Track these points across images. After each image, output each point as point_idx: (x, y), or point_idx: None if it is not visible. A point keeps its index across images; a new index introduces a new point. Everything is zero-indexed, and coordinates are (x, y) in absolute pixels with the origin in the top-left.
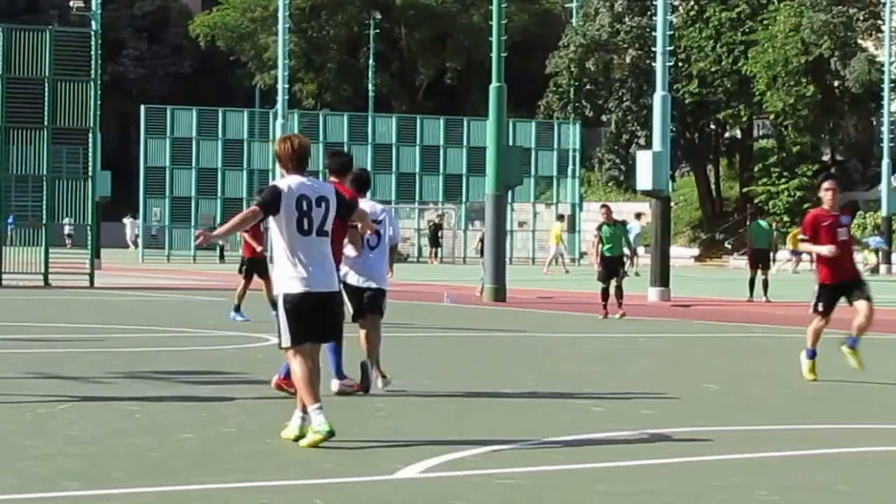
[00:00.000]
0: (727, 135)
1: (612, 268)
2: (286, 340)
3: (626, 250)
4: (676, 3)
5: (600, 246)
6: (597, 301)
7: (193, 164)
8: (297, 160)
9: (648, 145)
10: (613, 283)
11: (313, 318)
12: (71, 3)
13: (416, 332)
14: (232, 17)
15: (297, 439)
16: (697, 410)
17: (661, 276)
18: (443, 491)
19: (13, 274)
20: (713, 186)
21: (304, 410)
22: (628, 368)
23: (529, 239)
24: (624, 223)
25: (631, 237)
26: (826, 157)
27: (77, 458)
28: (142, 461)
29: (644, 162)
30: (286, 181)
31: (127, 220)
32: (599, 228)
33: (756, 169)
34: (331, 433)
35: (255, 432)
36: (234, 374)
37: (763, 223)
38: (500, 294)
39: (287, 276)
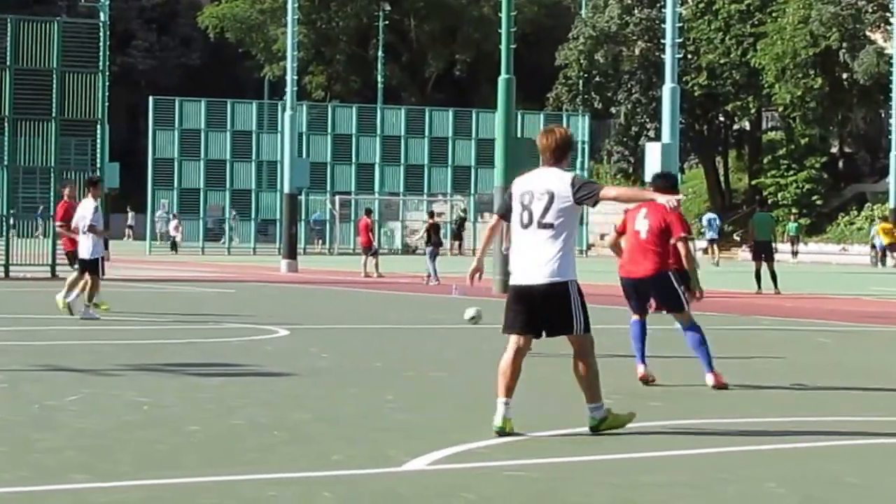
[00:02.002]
0: (736, 127)
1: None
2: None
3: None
4: None
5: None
6: (608, 293)
7: (202, 156)
8: (556, 153)
9: (657, 137)
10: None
11: (524, 308)
12: None
13: (425, 324)
14: (241, 9)
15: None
16: (706, 403)
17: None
18: (451, 483)
19: (21, 266)
20: (722, 178)
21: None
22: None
23: None
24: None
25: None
26: (835, 150)
27: (85, 451)
28: (150, 453)
29: (653, 154)
30: (519, 178)
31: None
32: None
33: (765, 161)
34: (500, 431)
35: (263, 424)
36: (242, 367)
37: (765, 215)
38: (508, 286)
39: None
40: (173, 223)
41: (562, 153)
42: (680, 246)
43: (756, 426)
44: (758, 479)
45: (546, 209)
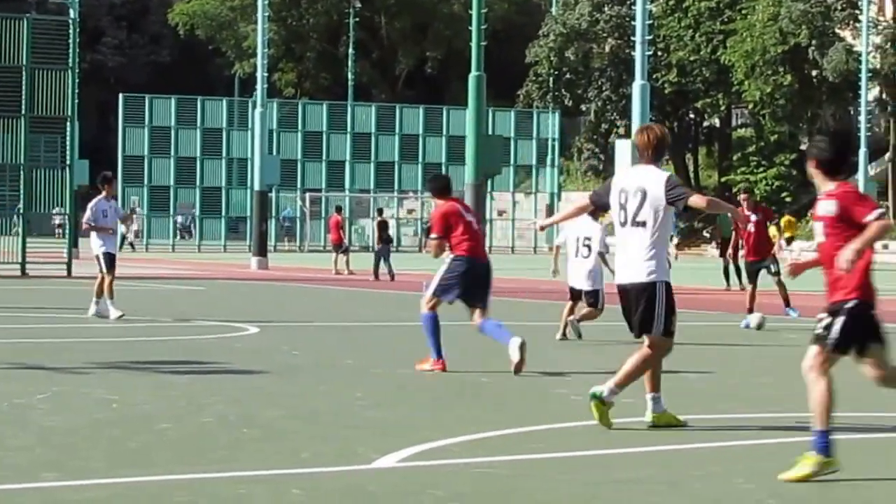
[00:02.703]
0: (706, 124)
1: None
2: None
3: None
4: None
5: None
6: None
7: (172, 153)
8: (654, 151)
9: (628, 134)
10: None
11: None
12: None
13: (396, 321)
14: (211, 6)
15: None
16: (676, 399)
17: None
18: (420, 480)
19: None
20: (692, 175)
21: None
22: (608, 357)
23: (509, 228)
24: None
25: None
26: (804, 147)
27: (55, 449)
28: (120, 451)
29: (623, 151)
30: (616, 176)
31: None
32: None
33: (735, 158)
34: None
35: (233, 422)
36: (213, 364)
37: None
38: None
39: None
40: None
41: (659, 151)
42: None
43: (723, 422)
44: (726, 474)
45: (639, 207)
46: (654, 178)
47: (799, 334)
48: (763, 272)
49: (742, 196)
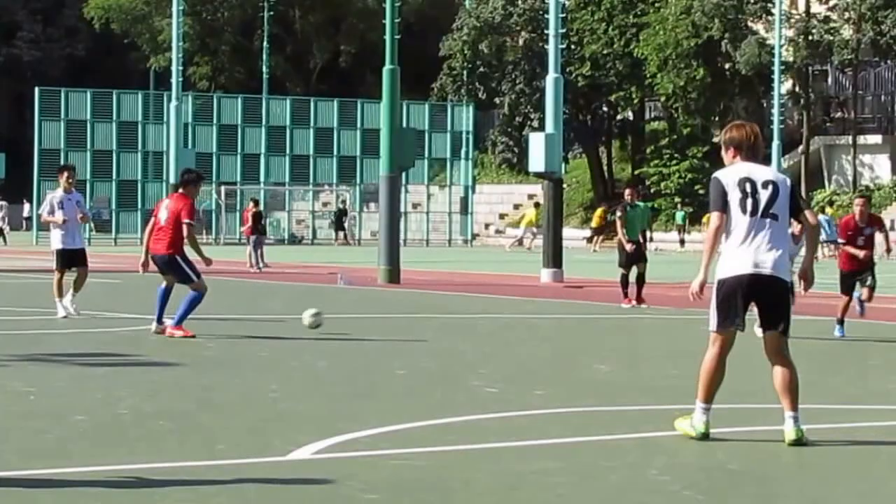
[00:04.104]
0: (619, 117)
1: (634, 252)
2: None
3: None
4: None
5: (623, 229)
6: (486, 282)
7: (88, 147)
8: (753, 148)
9: (541, 128)
10: (635, 269)
11: (746, 302)
12: None
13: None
14: (126, 0)
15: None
16: (589, 391)
17: (554, 257)
18: (336, 472)
19: None
20: (605, 168)
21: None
22: (521, 349)
23: (424, 220)
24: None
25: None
26: (716, 139)
27: None
28: (36, 443)
29: (537, 144)
30: (731, 169)
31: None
32: (624, 210)
33: (648, 151)
34: (704, 436)
35: (148, 413)
36: (128, 356)
37: (641, 205)
38: (394, 276)
39: (732, 259)
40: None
41: (759, 148)
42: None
43: (638, 414)
44: (641, 466)
45: (772, 199)
46: (782, 178)
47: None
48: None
49: (858, 202)
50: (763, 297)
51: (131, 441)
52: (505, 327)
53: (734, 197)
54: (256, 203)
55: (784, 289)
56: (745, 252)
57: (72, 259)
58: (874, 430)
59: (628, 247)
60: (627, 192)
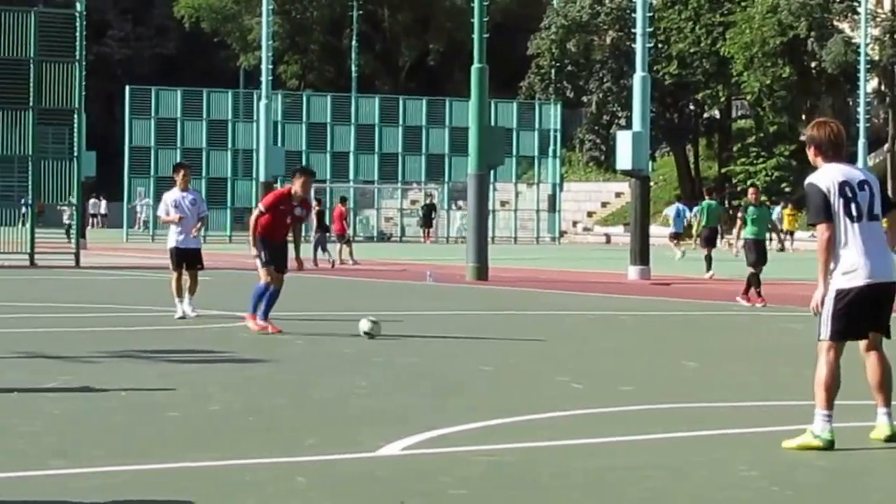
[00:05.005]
0: (706, 115)
1: (762, 251)
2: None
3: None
4: None
5: (744, 229)
6: (573, 280)
7: (178, 145)
8: (834, 144)
9: (628, 126)
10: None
11: (866, 311)
12: None
13: (397, 310)
14: None
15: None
16: (677, 387)
17: (641, 254)
18: (425, 467)
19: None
20: (692, 166)
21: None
22: (608, 346)
23: (511, 218)
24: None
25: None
26: (803, 138)
27: (62, 436)
28: (127, 439)
29: (624, 142)
30: (825, 172)
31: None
32: (745, 210)
33: (735, 149)
34: (830, 443)
35: (238, 410)
36: (219, 353)
37: (713, 202)
38: (482, 273)
39: (849, 268)
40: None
41: (844, 146)
42: None
43: (726, 410)
44: (729, 461)
45: (872, 201)
46: (872, 178)
47: (802, 323)
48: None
49: None
50: (879, 306)
51: (222, 437)
52: (591, 324)
53: (839, 203)
54: (319, 202)
55: (894, 292)
56: (862, 262)
57: (185, 258)
58: None
59: (739, 245)
60: (751, 192)
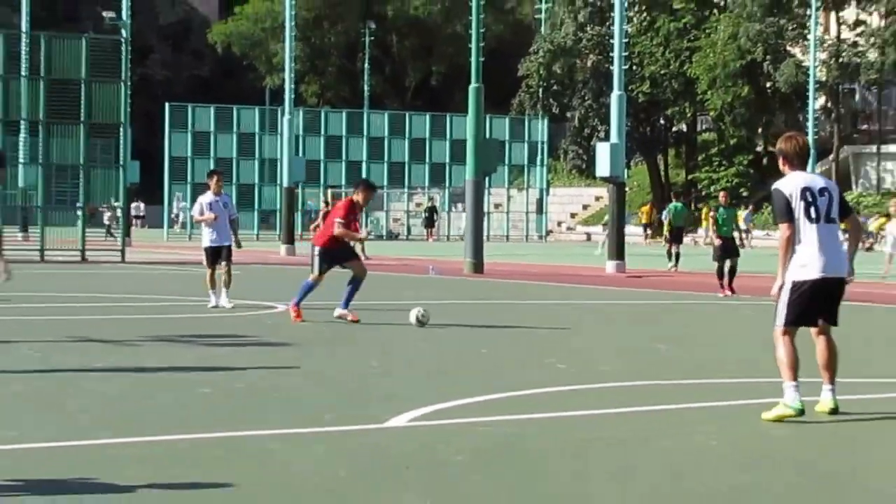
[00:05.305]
0: (674, 129)
1: (727, 247)
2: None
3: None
4: (631, 14)
5: (715, 227)
6: (558, 273)
7: (211, 155)
8: (800, 155)
9: (607, 138)
10: (728, 262)
11: (819, 301)
12: (104, 14)
13: (404, 300)
14: (245, 27)
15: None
16: (650, 367)
17: (618, 251)
18: (429, 437)
19: (54, 251)
20: (662, 174)
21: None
22: (589, 331)
23: (504, 219)
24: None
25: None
26: (759, 149)
27: (109, 411)
28: (166, 413)
29: (603, 152)
30: (790, 179)
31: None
32: (716, 210)
33: (699, 158)
34: (801, 412)
35: (264, 387)
36: (247, 337)
37: (679, 205)
38: (478, 267)
39: (803, 264)
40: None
41: (808, 156)
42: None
43: (693, 387)
44: (693, 432)
45: (830, 205)
46: (833, 184)
47: (754, 311)
48: None
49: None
50: (830, 297)
51: (248, 411)
52: (574, 312)
53: (800, 207)
54: (327, 204)
55: (843, 287)
56: (816, 258)
57: (218, 254)
58: None
59: (717, 242)
60: (721, 196)
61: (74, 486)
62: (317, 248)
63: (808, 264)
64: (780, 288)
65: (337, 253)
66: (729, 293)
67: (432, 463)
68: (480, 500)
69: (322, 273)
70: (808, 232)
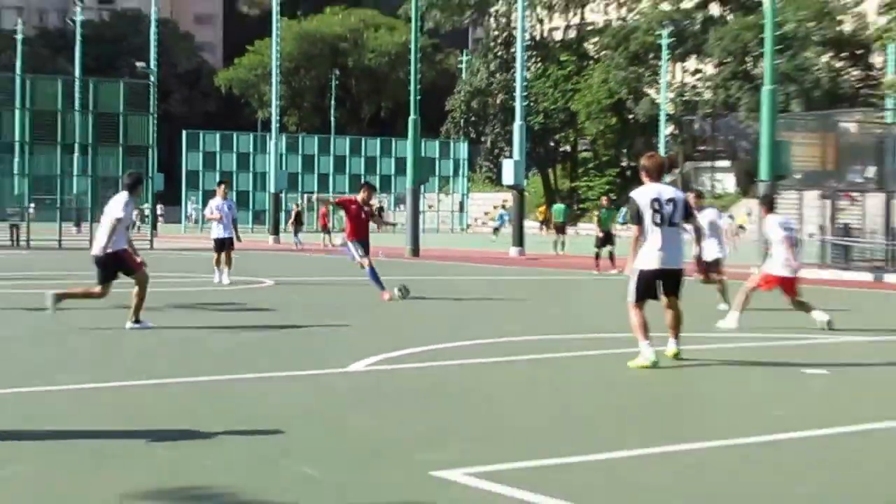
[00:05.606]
0: (561, 149)
1: (605, 238)
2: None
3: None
4: (529, 64)
5: (598, 223)
6: (474, 256)
7: (217, 169)
8: (656, 170)
9: (511, 156)
10: (606, 249)
11: (655, 288)
12: (137, 64)
13: (363, 277)
14: (243, 73)
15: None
16: (544, 325)
17: (519, 239)
18: (379, 379)
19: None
20: (552, 183)
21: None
22: (498, 299)
23: (435, 216)
24: (616, 208)
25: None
26: (623, 164)
27: (136, 360)
28: (182, 361)
29: (508, 167)
30: (645, 189)
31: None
32: (601, 210)
33: (580, 171)
34: (655, 363)
35: (254, 342)
36: (241, 305)
37: (563, 206)
38: (416, 252)
39: (648, 256)
40: (136, 212)
41: (663, 171)
42: None
43: (575, 340)
44: (575, 373)
45: (674, 212)
46: (680, 195)
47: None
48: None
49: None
50: (669, 281)
51: (238, 360)
52: (487, 285)
53: (647, 213)
54: (298, 205)
55: (681, 274)
56: (657, 254)
57: (222, 244)
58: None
59: (600, 234)
60: (604, 199)
61: (115, 419)
62: (350, 242)
63: (651, 258)
64: (630, 271)
65: (364, 241)
66: (599, 270)
67: (380, 395)
68: (414, 420)
69: (364, 257)
70: (654, 233)
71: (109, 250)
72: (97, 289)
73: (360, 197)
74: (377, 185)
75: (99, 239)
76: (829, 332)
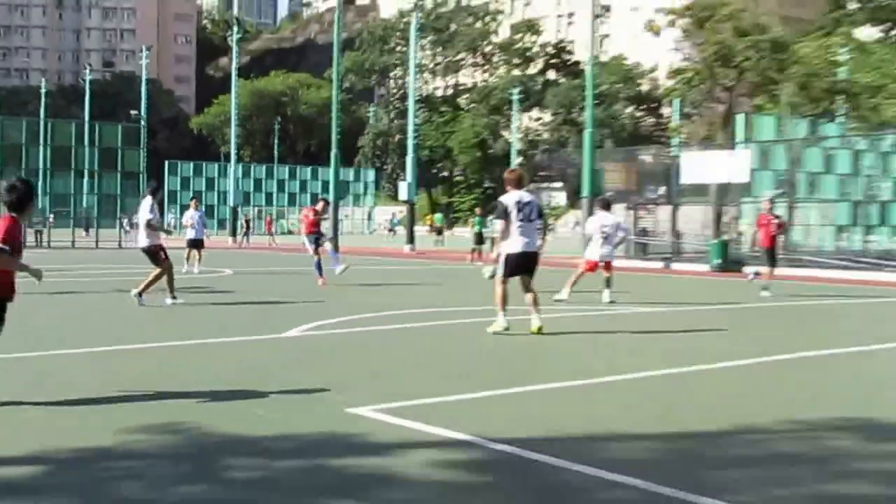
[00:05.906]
0: (441, 174)
1: (479, 238)
2: (502, 274)
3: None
4: (418, 113)
5: (474, 227)
6: (380, 252)
7: (191, 189)
8: (516, 182)
9: (405, 179)
10: (479, 246)
11: (521, 265)
12: (131, 112)
13: (295, 267)
14: (211, 119)
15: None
16: (425, 300)
17: (411, 239)
18: (310, 341)
19: (104, 241)
20: (435, 198)
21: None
22: (396, 283)
23: (350, 223)
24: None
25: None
26: (486, 185)
27: (132, 329)
28: (157, 329)
29: (403, 187)
30: (510, 195)
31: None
32: (475, 219)
33: (454, 190)
34: (507, 329)
35: (215, 314)
36: (207, 288)
37: (440, 215)
38: (336, 249)
39: (513, 243)
40: (126, 220)
41: (522, 182)
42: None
43: (446, 312)
44: (441, 336)
45: (532, 212)
46: (535, 199)
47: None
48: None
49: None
50: (528, 263)
51: (206, 328)
52: (387, 273)
53: (513, 211)
54: (247, 215)
55: (537, 257)
56: (520, 241)
57: (195, 244)
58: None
59: (474, 237)
60: (478, 210)
61: (108, 376)
62: (306, 236)
63: (516, 244)
64: (499, 256)
65: (319, 236)
66: (470, 260)
67: (310, 354)
68: (335, 371)
69: (317, 249)
70: (517, 227)
71: (149, 243)
72: (157, 270)
73: (319, 207)
74: (308, 198)
75: (140, 237)
76: (615, 306)
